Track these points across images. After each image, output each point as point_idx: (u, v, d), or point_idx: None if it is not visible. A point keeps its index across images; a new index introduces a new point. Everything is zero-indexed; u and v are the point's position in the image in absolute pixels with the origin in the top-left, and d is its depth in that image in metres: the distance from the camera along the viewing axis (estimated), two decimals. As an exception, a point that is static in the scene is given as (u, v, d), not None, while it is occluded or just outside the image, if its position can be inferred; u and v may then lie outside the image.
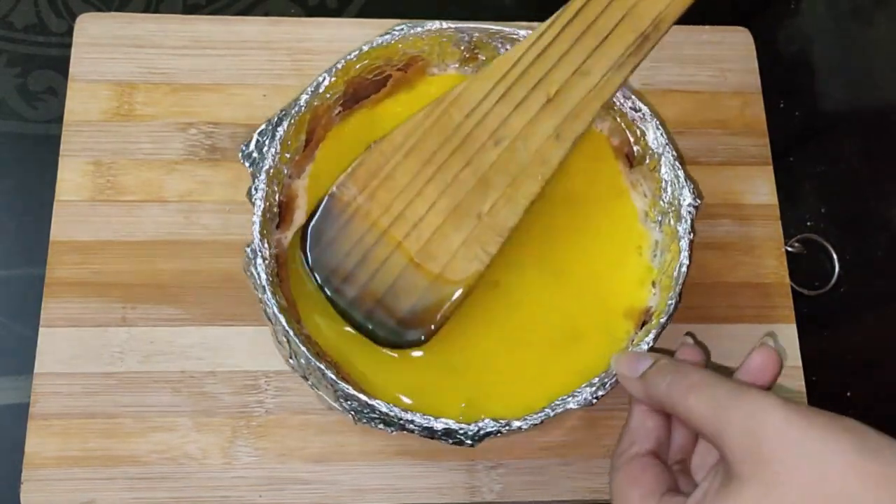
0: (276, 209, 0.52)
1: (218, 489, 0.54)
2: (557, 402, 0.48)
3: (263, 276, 0.49)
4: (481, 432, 0.48)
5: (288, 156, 0.53)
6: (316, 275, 0.52)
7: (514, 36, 0.55)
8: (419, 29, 0.55)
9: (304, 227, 0.52)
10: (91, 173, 0.59)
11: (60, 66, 0.62)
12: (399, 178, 0.51)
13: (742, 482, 0.37)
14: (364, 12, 0.66)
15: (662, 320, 0.50)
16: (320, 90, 0.53)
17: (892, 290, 0.63)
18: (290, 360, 0.50)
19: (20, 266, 0.58)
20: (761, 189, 0.62)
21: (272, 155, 0.51)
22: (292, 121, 0.52)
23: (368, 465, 0.55)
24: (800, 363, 0.59)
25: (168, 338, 0.56)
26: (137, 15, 0.64)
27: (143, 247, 0.58)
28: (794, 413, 0.37)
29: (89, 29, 0.62)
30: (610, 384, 0.49)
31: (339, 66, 0.53)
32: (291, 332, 0.48)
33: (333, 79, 0.53)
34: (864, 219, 0.65)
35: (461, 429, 0.48)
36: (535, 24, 0.55)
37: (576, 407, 0.48)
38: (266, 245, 0.50)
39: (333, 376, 0.47)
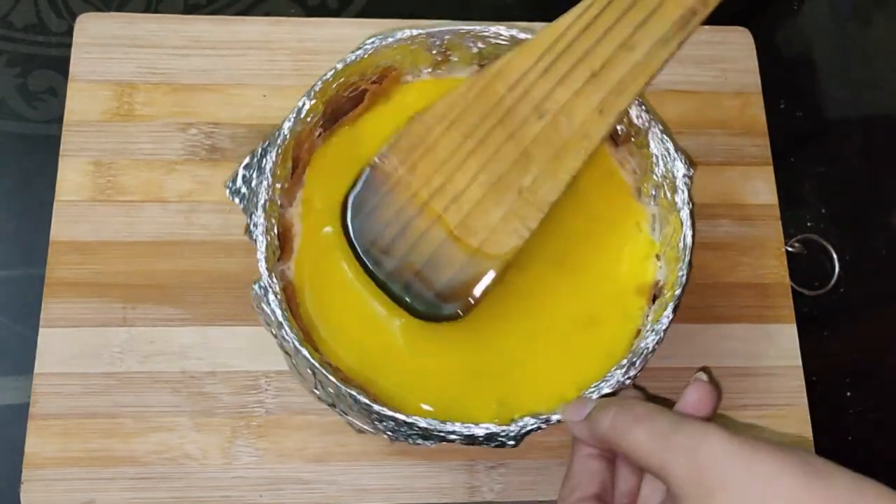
0: (276, 242, 0.51)
1: (218, 489, 0.54)
2: (591, 389, 0.48)
3: (278, 311, 0.48)
4: (523, 431, 0.47)
5: (279, 186, 0.52)
6: (357, 245, 0.51)
7: (485, 33, 0.54)
8: (390, 40, 0.54)
9: (346, 197, 0.52)
10: (91, 173, 0.59)
11: (60, 66, 0.62)
12: (440, 150, 0.51)
13: None
14: (364, 12, 0.66)
15: (677, 292, 0.50)
16: (302, 115, 0.52)
17: (892, 290, 0.63)
18: (316, 391, 0.49)
19: (20, 266, 0.58)
20: (761, 189, 0.62)
21: (265, 188, 0.50)
22: (279, 150, 0.51)
23: (368, 465, 0.55)
24: (800, 363, 0.59)
25: (168, 338, 0.56)
26: (137, 15, 0.64)
27: (143, 247, 0.58)
28: (736, 441, 0.37)
29: (89, 29, 0.62)
30: (639, 362, 0.48)
31: (317, 87, 0.52)
32: (316, 364, 0.47)
33: (313, 101, 0.52)
34: (864, 219, 0.65)
35: (503, 431, 0.47)
36: (522, 23, 0.55)
37: (610, 391, 0.48)
38: (274, 280, 0.49)
39: (367, 400, 0.47)
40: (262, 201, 0.50)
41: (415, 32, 0.54)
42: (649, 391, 0.55)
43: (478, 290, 0.50)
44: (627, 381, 0.48)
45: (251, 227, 0.50)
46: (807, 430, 0.58)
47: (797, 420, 0.58)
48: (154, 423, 0.54)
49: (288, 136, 0.51)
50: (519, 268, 0.53)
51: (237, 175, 0.51)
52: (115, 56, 0.62)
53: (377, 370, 0.51)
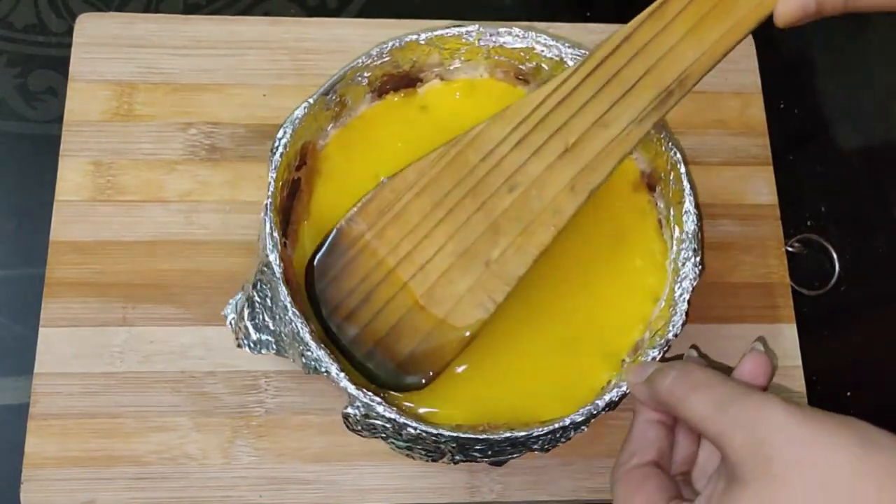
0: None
1: (218, 489, 0.54)
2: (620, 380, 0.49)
3: (334, 370, 0.47)
4: (558, 435, 0.48)
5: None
6: (321, 309, 0.51)
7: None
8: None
9: (311, 259, 0.51)
10: (91, 173, 0.59)
11: (60, 66, 0.62)
12: (409, 217, 0.50)
13: (745, 483, 0.37)
14: (364, 12, 0.66)
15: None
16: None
17: (892, 290, 0.63)
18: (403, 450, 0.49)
19: (20, 266, 0.58)
20: (761, 189, 0.62)
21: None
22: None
23: (368, 465, 0.55)
24: (800, 363, 0.59)
25: (168, 338, 0.56)
26: (137, 15, 0.64)
27: (143, 247, 0.58)
28: (796, 412, 0.37)
29: (89, 29, 0.62)
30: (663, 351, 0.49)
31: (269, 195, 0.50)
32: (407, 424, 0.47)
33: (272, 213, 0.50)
34: (864, 219, 0.65)
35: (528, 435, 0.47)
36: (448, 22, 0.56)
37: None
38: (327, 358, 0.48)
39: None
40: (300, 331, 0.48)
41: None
42: (711, 359, 0.56)
43: (440, 362, 0.50)
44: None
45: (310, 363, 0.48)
46: (807, 430, 0.57)
47: (797, 420, 0.58)
48: (154, 423, 0.54)
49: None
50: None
51: (227, 311, 0.52)
52: (115, 56, 0.62)
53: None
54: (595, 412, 0.48)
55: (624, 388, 0.48)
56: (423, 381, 0.50)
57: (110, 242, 0.58)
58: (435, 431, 0.46)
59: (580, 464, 0.56)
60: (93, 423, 0.54)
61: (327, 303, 0.51)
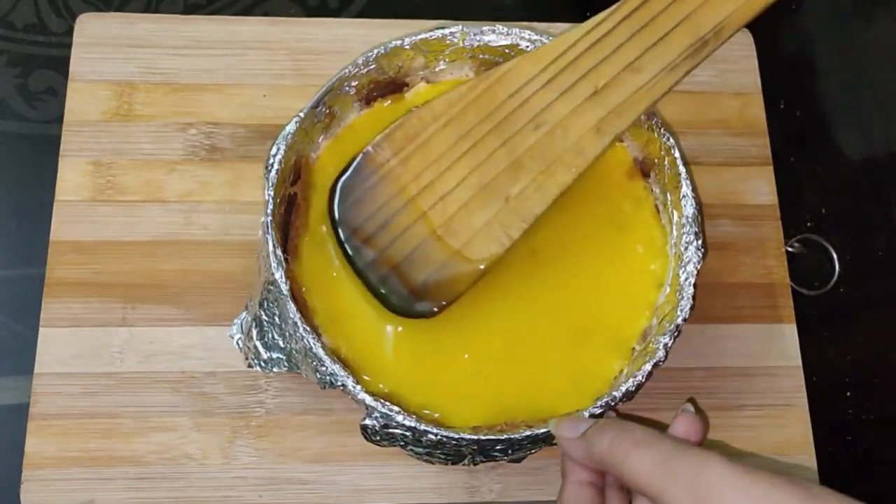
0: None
1: (218, 489, 0.54)
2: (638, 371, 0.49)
3: (350, 384, 0.47)
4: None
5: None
6: (339, 231, 0.51)
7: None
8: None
9: (335, 181, 0.52)
10: (91, 173, 0.59)
11: (60, 66, 0.62)
12: (434, 147, 0.50)
13: None
14: (364, 12, 0.66)
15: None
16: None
17: (892, 290, 0.63)
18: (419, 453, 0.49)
19: (20, 266, 0.58)
20: (761, 189, 0.62)
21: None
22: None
23: (368, 466, 0.55)
24: (800, 363, 0.59)
25: (168, 338, 0.56)
26: (137, 15, 0.64)
27: (143, 247, 0.58)
28: (737, 468, 0.37)
29: (89, 29, 0.62)
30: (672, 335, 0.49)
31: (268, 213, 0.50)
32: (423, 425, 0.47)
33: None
34: (864, 219, 0.65)
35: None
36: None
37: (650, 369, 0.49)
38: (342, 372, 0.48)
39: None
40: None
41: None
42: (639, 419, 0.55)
43: (452, 293, 0.50)
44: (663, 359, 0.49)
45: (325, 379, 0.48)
46: (807, 430, 0.58)
47: (797, 420, 0.58)
48: (154, 423, 0.54)
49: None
50: (524, 271, 0.53)
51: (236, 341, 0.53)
52: (115, 56, 0.62)
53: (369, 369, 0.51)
54: (613, 403, 0.48)
55: (640, 378, 0.48)
56: (435, 309, 0.50)
57: (110, 242, 0.58)
58: (456, 436, 0.46)
59: (580, 464, 0.56)
60: (93, 423, 0.54)
61: (347, 225, 0.51)
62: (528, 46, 0.54)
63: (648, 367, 0.49)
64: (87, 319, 0.56)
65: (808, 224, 0.63)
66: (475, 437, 0.47)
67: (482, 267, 0.50)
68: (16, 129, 0.61)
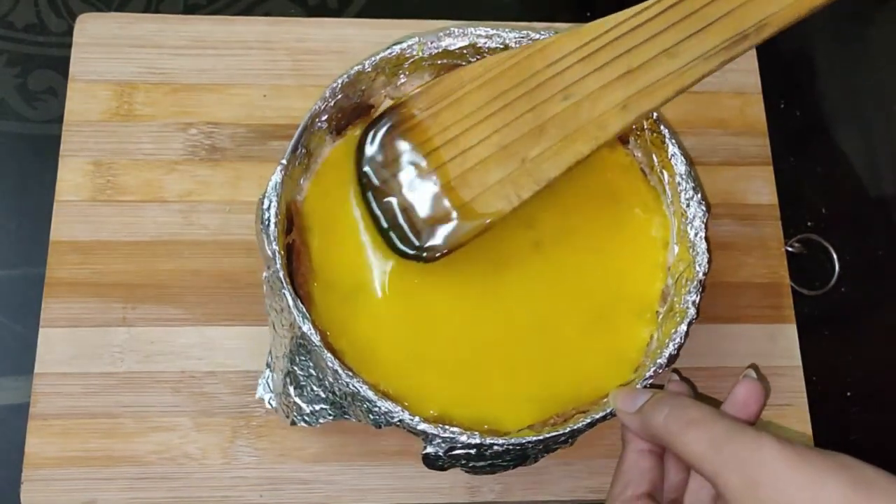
0: None
1: (218, 489, 0.54)
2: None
3: (406, 417, 0.47)
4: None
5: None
6: (363, 167, 0.53)
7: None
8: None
9: (370, 125, 0.53)
10: (91, 173, 0.59)
11: (60, 66, 0.62)
12: (465, 104, 0.52)
13: None
14: (364, 12, 0.66)
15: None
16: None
17: (892, 290, 0.63)
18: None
19: (20, 266, 0.58)
20: (761, 189, 0.62)
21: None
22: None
23: (368, 465, 0.55)
24: (800, 363, 0.59)
25: (168, 338, 0.56)
26: (137, 15, 0.64)
27: (143, 247, 0.58)
28: (791, 453, 0.38)
29: (89, 29, 0.62)
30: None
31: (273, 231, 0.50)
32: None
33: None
34: (864, 219, 0.65)
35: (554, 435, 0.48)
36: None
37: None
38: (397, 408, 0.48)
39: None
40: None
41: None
42: (696, 387, 0.56)
43: (454, 241, 0.51)
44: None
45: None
46: (807, 430, 0.58)
47: (797, 420, 0.58)
48: (154, 423, 0.54)
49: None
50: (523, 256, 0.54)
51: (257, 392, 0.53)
52: (115, 56, 0.62)
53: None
54: (660, 370, 0.49)
55: (679, 339, 0.49)
56: (437, 255, 0.51)
57: (110, 242, 0.58)
58: (523, 441, 0.47)
59: (580, 464, 0.56)
60: (93, 423, 0.54)
61: (370, 163, 0.53)
62: (485, 43, 0.55)
63: (684, 327, 0.50)
64: (87, 319, 0.56)
65: (808, 224, 0.63)
66: (541, 437, 0.47)
67: (487, 222, 0.51)
68: (16, 129, 0.61)
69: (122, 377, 0.55)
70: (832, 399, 0.60)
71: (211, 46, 0.63)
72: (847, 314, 0.62)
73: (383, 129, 0.53)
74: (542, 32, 0.55)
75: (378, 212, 0.52)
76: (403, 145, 0.53)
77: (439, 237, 0.51)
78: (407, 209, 0.52)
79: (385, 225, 0.52)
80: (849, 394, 0.60)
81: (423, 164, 0.52)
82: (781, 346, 0.59)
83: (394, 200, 0.52)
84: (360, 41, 0.62)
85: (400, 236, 0.52)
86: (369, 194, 0.52)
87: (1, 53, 0.63)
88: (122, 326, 0.56)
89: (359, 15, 0.66)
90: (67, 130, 0.60)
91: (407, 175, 0.52)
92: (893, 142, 0.67)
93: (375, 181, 0.53)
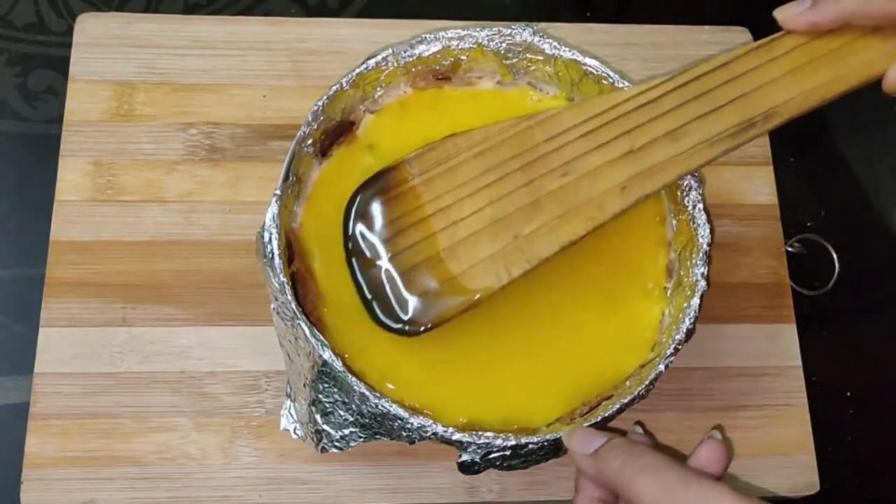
0: None
1: (218, 489, 0.54)
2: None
3: (440, 429, 0.47)
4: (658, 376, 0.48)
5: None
6: (350, 232, 0.51)
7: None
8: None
9: (361, 186, 0.52)
10: (91, 173, 0.59)
11: (60, 66, 0.62)
12: (461, 173, 0.51)
13: None
14: (364, 12, 0.66)
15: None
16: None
17: (892, 290, 0.63)
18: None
19: (20, 266, 0.58)
20: (761, 189, 0.63)
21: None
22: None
23: (368, 465, 0.55)
24: (800, 363, 0.59)
25: (168, 338, 0.56)
26: (137, 15, 0.64)
27: (143, 247, 0.58)
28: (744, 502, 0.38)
29: (89, 29, 0.62)
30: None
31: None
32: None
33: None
34: (864, 219, 0.65)
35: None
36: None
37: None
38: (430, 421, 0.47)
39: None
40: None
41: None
42: (657, 439, 0.55)
43: (439, 316, 0.50)
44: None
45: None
46: (807, 430, 0.58)
47: (797, 420, 0.58)
48: (154, 423, 0.54)
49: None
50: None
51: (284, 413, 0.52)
52: (115, 56, 0.62)
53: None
54: (679, 345, 0.49)
55: (693, 313, 0.49)
56: (421, 329, 0.50)
57: (110, 242, 0.58)
58: (557, 436, 0.47)
59: (580, 464, 0.56)
60: (93, 423, 0.54)
61: (357, 230, 0.51)
62: (458, 44, 0.55)
63: (696, 300, 0.50)
64: (86, 319, 0.56)
65: (808, 224, 0.63)
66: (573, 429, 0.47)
67: (476, 297, 0.50)
68: (16, 128, 0.61)
69: (122, 377, 0.55)
70: (832, 399, 0.60)
71: (211, 46, 0.63)
72: (847, 314, 0.62)
73: (374, 193, 0.52)
74: (515, 27, 0.56)
75: (361, 280, 0.51)
76: (394, 211, 0.51)
77: (424, 311, 0.50)
78: (392, 279, 0.50)
79: (368, 295, 0.51)
80: (849, 394, 0.60)
81: (413, 232, 0.51)
82: (781, 346, 0.59)
83: (379, 269, 0.51)
84: (360, 41, 0.62)
85: (383, 308, 0.50)
86: (354, 261, 0.51)
87: (1, 53, 0.63)
88: (122, 326, 0.56)
89: (359, 15, 0.66)
90: (67, 130, 0.60)
91: (395, 243, 0.51)
92: (893, 142, 0.67)
93: (361, 247, 0.51)
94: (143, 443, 0.54)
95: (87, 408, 0.54)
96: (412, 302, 0.50)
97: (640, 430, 0.51)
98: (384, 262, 0.51)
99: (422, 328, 0.50)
